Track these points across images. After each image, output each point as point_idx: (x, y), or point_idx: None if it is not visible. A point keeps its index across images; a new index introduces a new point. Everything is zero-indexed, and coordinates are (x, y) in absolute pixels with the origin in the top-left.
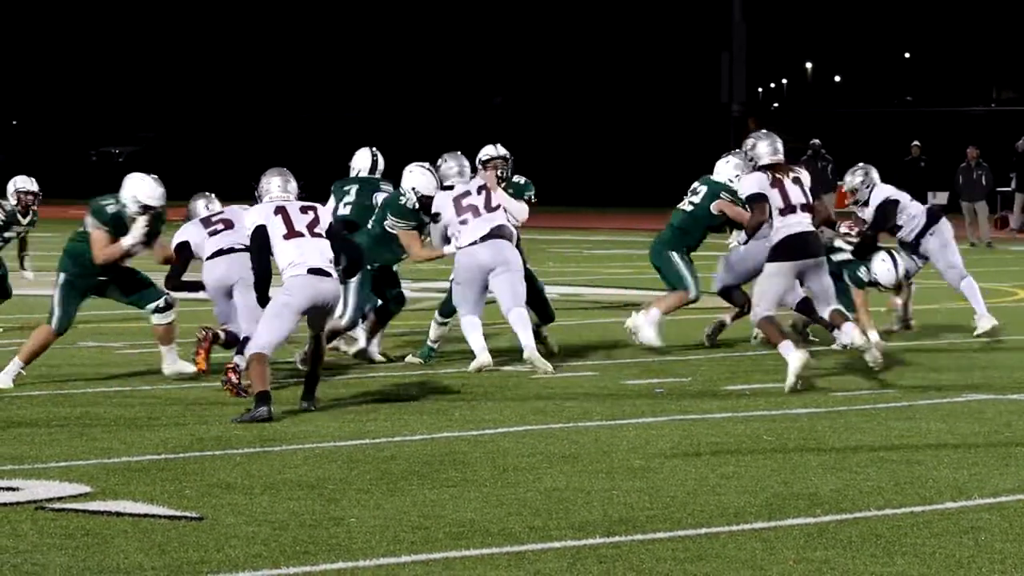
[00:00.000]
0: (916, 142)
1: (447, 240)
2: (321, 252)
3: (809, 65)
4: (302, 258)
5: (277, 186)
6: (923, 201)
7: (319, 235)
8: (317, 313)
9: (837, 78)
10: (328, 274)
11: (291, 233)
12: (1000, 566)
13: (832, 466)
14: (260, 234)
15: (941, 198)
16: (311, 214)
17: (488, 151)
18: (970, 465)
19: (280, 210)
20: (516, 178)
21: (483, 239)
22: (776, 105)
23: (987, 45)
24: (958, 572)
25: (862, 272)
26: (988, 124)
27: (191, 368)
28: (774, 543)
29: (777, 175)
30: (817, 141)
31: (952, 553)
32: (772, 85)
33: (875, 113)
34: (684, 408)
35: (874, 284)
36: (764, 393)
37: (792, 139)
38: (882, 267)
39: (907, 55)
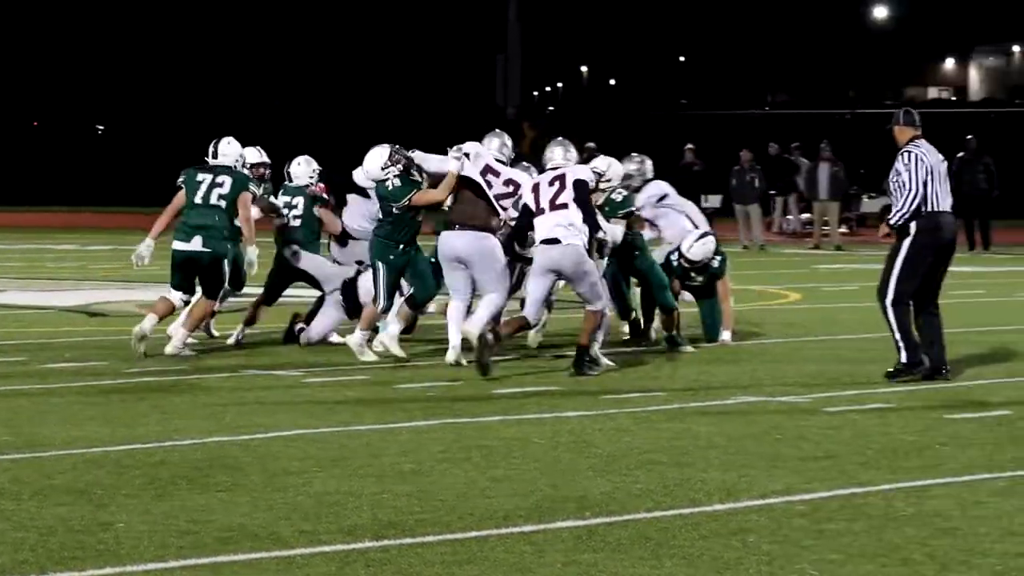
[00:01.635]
0: (690, 145)
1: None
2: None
3: (584, 68)
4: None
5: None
6: (696, 204)
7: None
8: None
9: (612, 81)
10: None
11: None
12: (767, 567)
13: (602, 469)
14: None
15: (715, 201)
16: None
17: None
18: (739, 467)
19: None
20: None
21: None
22: (551, 108)
23: (761, 49)
24: (725, 573)
25: (673, 257)
26: (762, 127)
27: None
28: (543, 546)
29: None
30: (592, 144)
31: (720, 555)
32: (547, 88)
33: (650, 116)
34: (455, 411)
35: (688, 265)
36: (535, 395)
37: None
38: (691, 242)
39: (681, 59)
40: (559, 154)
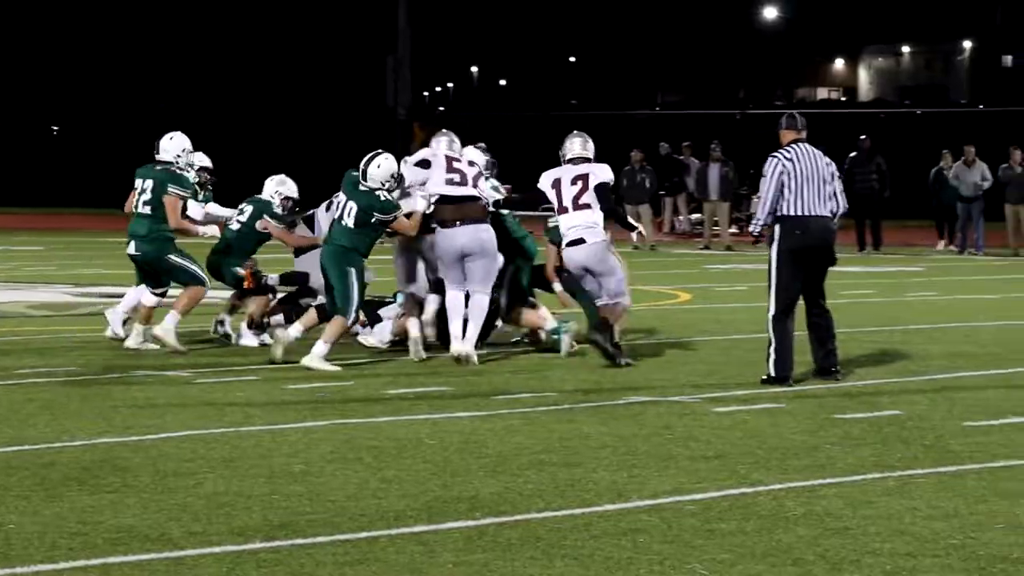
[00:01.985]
0: None
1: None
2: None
3: (475, 69)
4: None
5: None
6: None
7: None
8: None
9: (503, 82)
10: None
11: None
12: (659, 567)
13: (492, 469)
14: None
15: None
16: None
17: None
18: (629, 467)
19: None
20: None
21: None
22: (442, 109)
23: (651, 49)
24: (617, 573)
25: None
26: (652, 128)
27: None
28: (434, 546)
29: None
30: (483, 144)
31: (611, 555)
32: (438, 89)
33: (541, 117)
34: (345, 412)
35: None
36: (426, 396)
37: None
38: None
39: (572, 59)
40: (578, 146)
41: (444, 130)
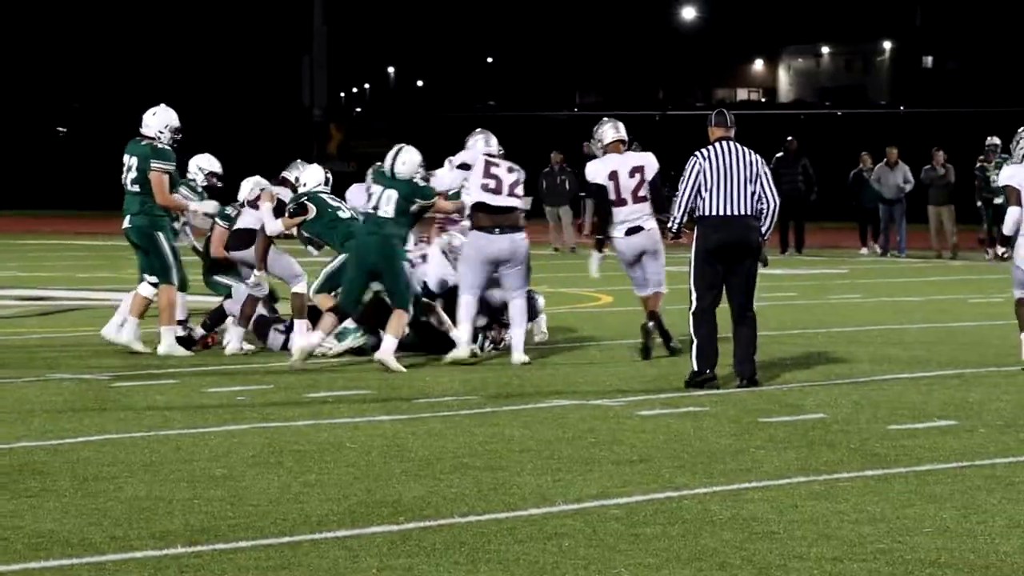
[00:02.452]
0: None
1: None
2: None
3: (391, 70)
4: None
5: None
6: None
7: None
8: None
9: (420, 83)
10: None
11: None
12: (584, 572)
13: (415, 473)
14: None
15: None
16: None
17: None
18: (553, 471)
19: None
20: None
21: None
22: (359, 110)
23: (569, 50)
24: None
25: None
26: (571, 128)
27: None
28: (357, 551)
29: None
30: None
31: (536, 559)
32: (355, 90)
33: (458, 117)
34: (266, 416)
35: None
36: (347, 400)
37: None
38: None
39: (489, 60)
40: (610, 133)
41: (479, 129)
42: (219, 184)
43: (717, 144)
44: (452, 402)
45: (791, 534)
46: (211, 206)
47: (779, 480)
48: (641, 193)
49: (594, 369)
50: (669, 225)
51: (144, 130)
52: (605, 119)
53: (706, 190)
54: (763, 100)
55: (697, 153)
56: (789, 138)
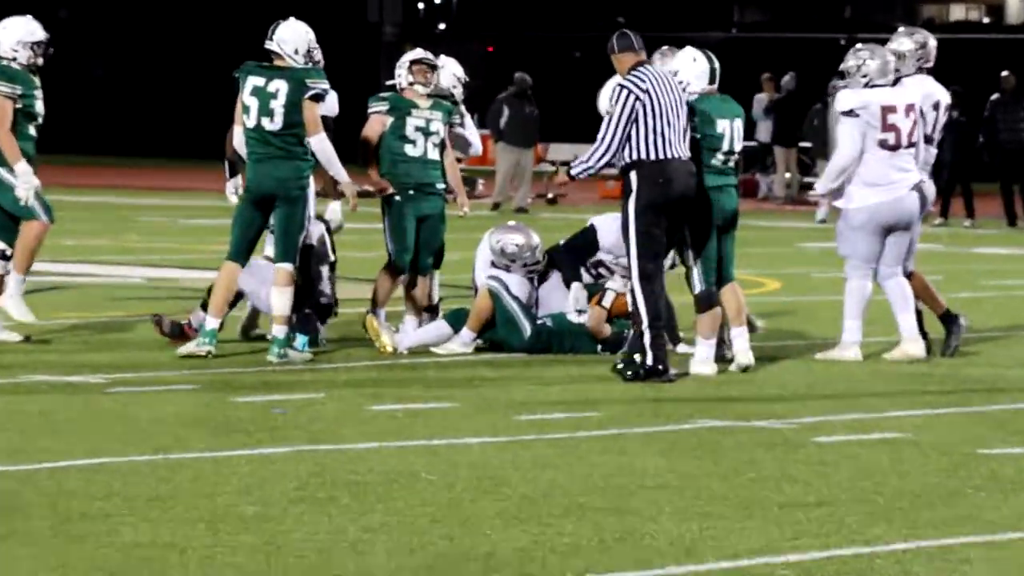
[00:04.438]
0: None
1: None
2: None
3: None
4: None
5: None
6: None
7: None
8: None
9: None
10: None
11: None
12: None
13: (515, 516)
14: None
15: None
16: None
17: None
18: (700, 516)
19: None
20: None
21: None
22: (443, 26)
23: None
24: None
25: None
26: (727, 53)
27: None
28: None
29: None
30: (523, 76)
31: None
32: (436, 1)
33: (572, 38)
34: (314, 435)
35: None
36: (424, 415)
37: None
38: None
39: None
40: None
41: (665, 48)
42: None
43: (643, 70)
44: (564, 420)
45: None
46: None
47: (1006, 534)
48: (915, 137)
49: (757, 378)
50: (575, 170)
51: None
52: (668, 50)
53: (646, 128)
54: (987, 21)
55: (627, 82)
56: (1005, 73)
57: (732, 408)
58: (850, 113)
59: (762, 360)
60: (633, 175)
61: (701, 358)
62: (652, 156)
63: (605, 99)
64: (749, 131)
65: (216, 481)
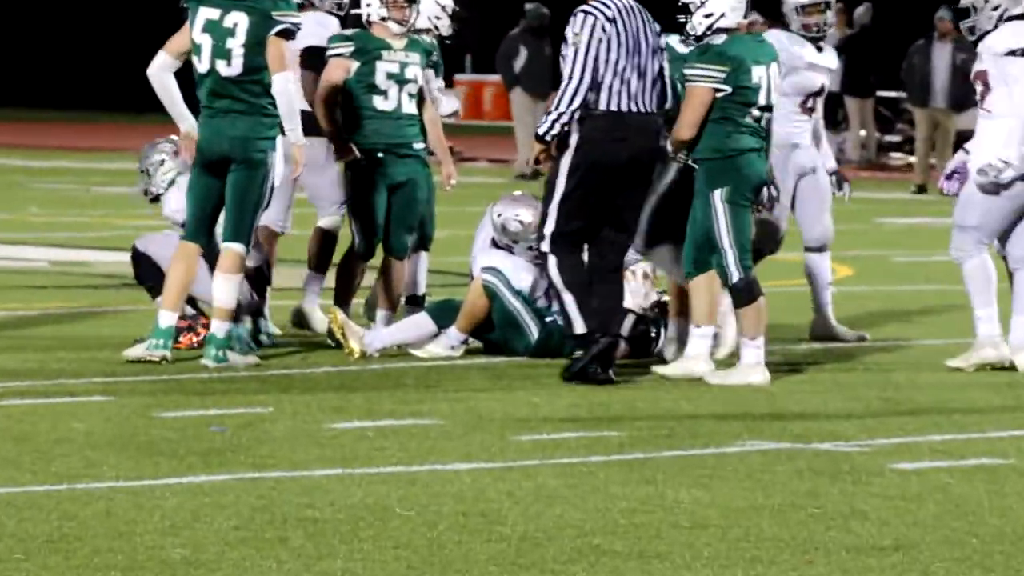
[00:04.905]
0: None
1: None
2: None
3: None
4: None
5: None
6: None
7: None
8: None
9: None
10: None
11: None
12: None
13: (514, 561)
14: None
15: None
16: None
17: None
18: (748, 561)
19: None
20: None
21: None
22: None
23: None
24: None
25: None
26: None
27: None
28: None
29: None
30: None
31: None
32: None
33: None
34: (260, 458)
35: None
36: (398, 433)
37: None
38: None
39: None
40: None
41: None
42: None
43: (613, 3)
44: (574, 440)
45: None
46: None
47: None
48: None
49: (820, 389)
50: (543, 129)
51: None
52: None
53: (606, 68)
54: None
55: (591, 7)
56: None
57: (789, 427)
58: (1017, 53)
59: (825, 366)
60: (578, 127)
61: (750, 362)
62: (606, 106)
63: None
64: None
65: (135, 517)
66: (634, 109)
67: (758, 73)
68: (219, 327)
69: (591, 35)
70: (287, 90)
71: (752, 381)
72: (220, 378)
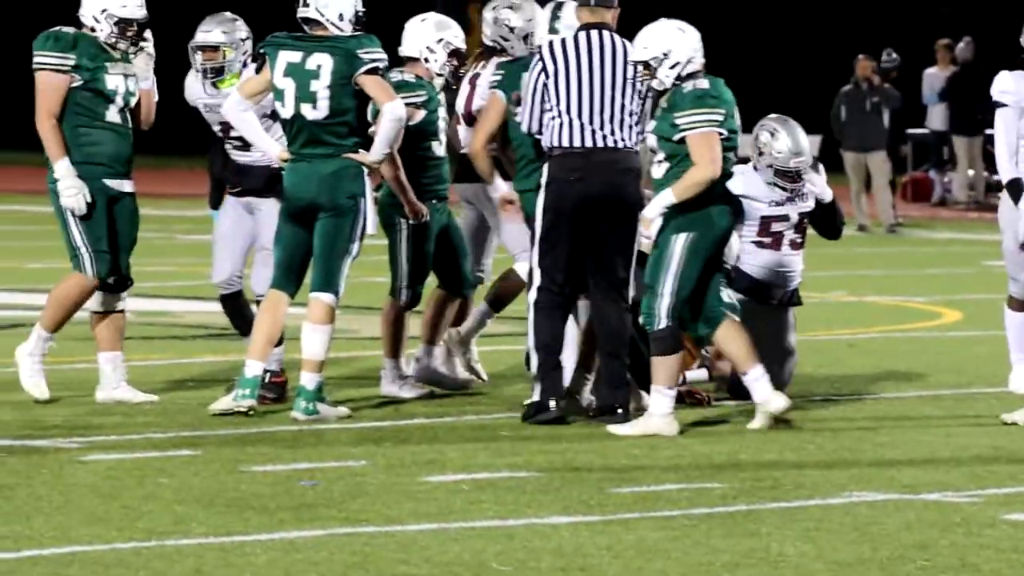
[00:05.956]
0: None
1: None
2: None
3: None
4: None
5: None
6: None
7: None
8: None
9: None
10: None
11: None
12: None
13: None
14: None
15: None
16: None
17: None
18: None
19: None
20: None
21: None
22: None
23: None
24: None
25: None
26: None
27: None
28: None
29: None
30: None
31: None
32: None
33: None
34: (350, 513)
35: None
36: (494, 486)
37: None
38: None
39: None
40: None
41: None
42: None
43: (578, 35)
44: (675, 492)
45: None
46: None
47: None
48: None
49: (927, 436)
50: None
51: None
52: None
53: (557, 105)
54: None
55: (549, 46)
56: None
57: (896, 476)
58: None
59: (932, 415)
60: (547, 167)
61: (662, 412)
62: (568, 143)
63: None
64: (919, 117)
65: (225, 575)
66: (599, 144)
67: (737, 117)
68: (309, 379)
69: (533, 78)
70: (401, 117)
71: (661, 431)
72: (311, 431)
